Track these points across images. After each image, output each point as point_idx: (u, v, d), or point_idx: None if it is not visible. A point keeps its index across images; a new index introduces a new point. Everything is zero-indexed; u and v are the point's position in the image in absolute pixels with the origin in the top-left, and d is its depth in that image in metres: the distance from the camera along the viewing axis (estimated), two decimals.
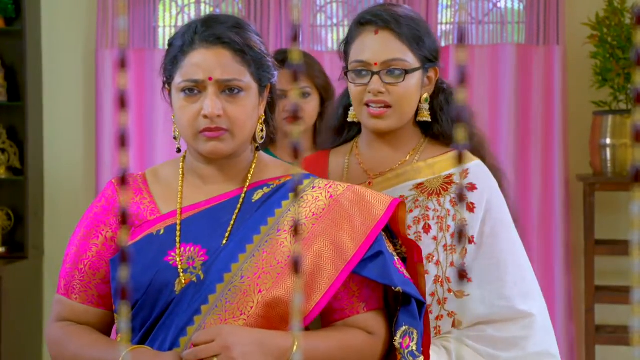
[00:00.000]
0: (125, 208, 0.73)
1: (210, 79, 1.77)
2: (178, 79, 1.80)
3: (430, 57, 2.07)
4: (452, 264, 2.01)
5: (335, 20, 4.60)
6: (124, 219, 0.73)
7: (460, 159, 0.71)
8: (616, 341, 4.16)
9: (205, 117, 1.77)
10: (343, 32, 4.57)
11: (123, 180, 0.73)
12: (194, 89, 1.79)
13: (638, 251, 0.75)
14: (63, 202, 4.73)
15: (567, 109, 4.36)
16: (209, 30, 1.80)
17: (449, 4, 4.52)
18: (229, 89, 1.79)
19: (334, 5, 4.61)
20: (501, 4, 4.51)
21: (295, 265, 0.69)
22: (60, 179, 4.74)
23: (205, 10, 4.65)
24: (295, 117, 0.76)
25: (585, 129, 4.30)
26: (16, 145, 4.62)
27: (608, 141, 4.12)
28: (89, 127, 4.71)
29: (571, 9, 4.38)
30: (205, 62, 1.78)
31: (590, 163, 4.24)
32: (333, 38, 4.61)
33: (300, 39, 4.49)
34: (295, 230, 0.72)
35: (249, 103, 1.81)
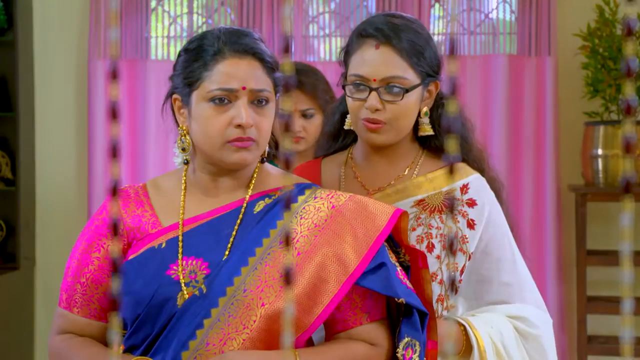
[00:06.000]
0: (117, 220, 0.73)
1: (244, 88, 1.77)
2: (209, 87, 1.78)
3: (430, 72, 2.00)
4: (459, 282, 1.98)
5: (327, 31, 4.60)
6: (115, 231, 0.73)
7: (452, 171, 0.71)
8: (608, 351, 4.17)
9: (238, 126, 1.76)
10: (335, 43, 4.58)
11: (114, 192, 0.73)
12: (225, 99, 1.77)
13: (629, 262, 0.75)
14: (55, 213, 4.72)
15: (558, 120, 4.37)
16: (239, 40, 1.79)
17: (441, 14, 4.53)
18: (257, 100, 1.79)
19: (326, 15, 4.62)
20: (493, 15, 4.52)
21: (287, 277, 0.69)
22: (52, 190, 4.72)
23: (198, 21, 4.64)
24: (287, 128, 0.76)
25: (576, 140, 4.31)
26: (8, 155, 4.61)
27: (599, 152, 4.13)
28: (81, 138, 4.71)
29: (562, 20, 4.39)
30: (239, 71, 1.77)
31: (582, 173, 4.24)
32: (325, 49, 4.61)
33: (293, 49, 4.49)
34: (287, 241, 0.72)
35: (272, 114, 1.82)
